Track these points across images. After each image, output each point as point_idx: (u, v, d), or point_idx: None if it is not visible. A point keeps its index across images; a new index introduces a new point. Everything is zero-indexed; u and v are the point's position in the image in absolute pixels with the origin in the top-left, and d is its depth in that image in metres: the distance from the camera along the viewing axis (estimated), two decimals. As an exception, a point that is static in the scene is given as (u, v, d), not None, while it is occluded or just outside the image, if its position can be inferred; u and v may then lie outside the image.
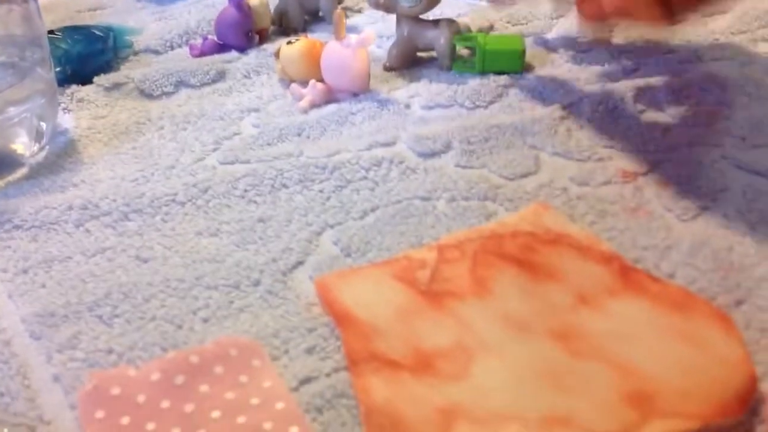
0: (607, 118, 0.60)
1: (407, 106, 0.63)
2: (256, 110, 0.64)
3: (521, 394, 0.38)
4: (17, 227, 0.51)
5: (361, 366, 0.40)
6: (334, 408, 0.38)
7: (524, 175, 0.54)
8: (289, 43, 0.67)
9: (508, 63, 0.67)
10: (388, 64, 0.69)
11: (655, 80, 0.64)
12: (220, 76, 0.69)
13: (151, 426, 0.37)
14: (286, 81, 0.68)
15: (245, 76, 0.69)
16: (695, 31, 0.72)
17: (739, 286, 0.44)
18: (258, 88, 0.67)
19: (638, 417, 0.36)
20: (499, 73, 0.67)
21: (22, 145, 0.58)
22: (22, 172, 0.58)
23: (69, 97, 0.66)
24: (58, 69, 0.62)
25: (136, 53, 0.75)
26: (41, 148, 0.59)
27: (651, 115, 0.60)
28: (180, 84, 0.68)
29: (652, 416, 0.36)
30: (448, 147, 0.57)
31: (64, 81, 0.67)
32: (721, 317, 0.41)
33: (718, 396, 0.37)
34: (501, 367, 0.40)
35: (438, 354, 0.40)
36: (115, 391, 0.39)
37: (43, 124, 0.59)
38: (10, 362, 0.42)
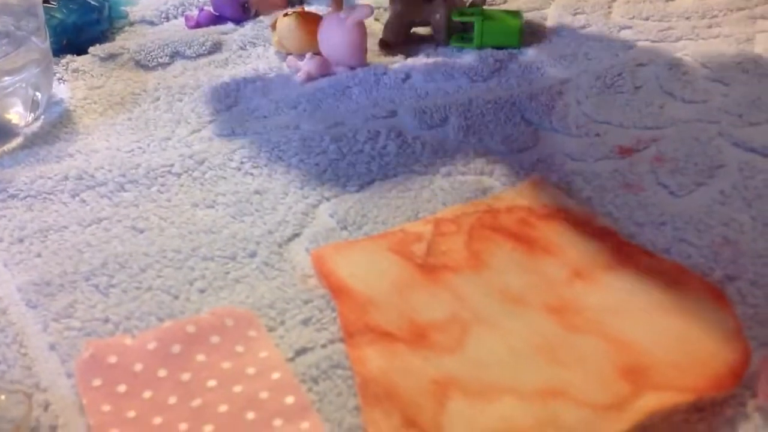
0: (605, 93, 0.59)
1: (404, 80, 0.63)
2: (253, 82, 0.63)
3: (516, 366, 0.38)
4: (13, 197, 0.51)
5: (357, 337, 0.40)
6: (330, 378, 0.38)
7: (521, 150, 0.54)
8: (285, 15, 0.67)
9: (506, 38, 0.67)
10: (383, 40, 0.69)
11: (653, 56, 0.63)
12: (216, 47, 0.69)
13: (147, 394, 0.37)
14: (283, 53, 0.67)
15: (241, 48, 0.69)
16: (693, 7, 0.72)
17: (733, 261, 0.44)
18: (254, 60, 0.67)
19: (632, 390, 0.36)
20: (497, 47, 0.66)
21: (17, 114, 0.58)
22: (17, 141, 0.57)
23: (64, 67, 0.66)
24: (53, 39, 0.62)
25: (131, 24, 0.74)
26: (36, 118, 0.59)
27: (648, 92, 0.60)
28: (176, 55, 0.68)
29: (646, 389, 0.36)
30: (445, 121, 0.57)
31: (59, 51, 0.67)
32: (715, 292, 0.41)
33: (711, 369, 0.37)
34: (496, 339, 0.40)
35: (433, 326, 0.41)
36: (112, 359, 0.39)
37: (39, 94, 0.59)
38: (6, 330, 0.42)
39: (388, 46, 0.68)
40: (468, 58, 0.65)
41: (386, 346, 0.39)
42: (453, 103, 0.59)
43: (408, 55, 0.67)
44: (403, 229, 0.47)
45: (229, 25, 0.73)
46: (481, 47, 0.66)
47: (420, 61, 0.66)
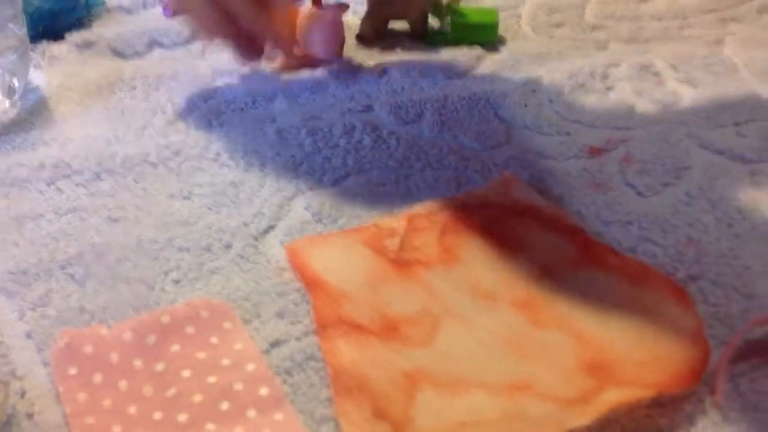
0: (576, 93, 0.61)
1: (381, 75, 0.64)
2: (230, 73, 0.64)
3: (484, 360, 0.39)
4: (-12, 184, 0.51)
5: (330, 330, 0.41)
6: (303, 370, 0.39)
7: (494, 147, 0.55)
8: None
9: (482, 35, 0.68)
10: (360, 35, 0.69)
11: (624, 56, 0.65)
12: (194, 37, 0.69)
13: (123, 384, 0.38)
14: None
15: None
16: (665, 8, 0.73)
17: (696, 261, 0.45)
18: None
19: (596, 384, 0.38)
20: (473, 44, 0.67)
21: (-9, 100, 0.58)
22: (-9, 128, 0.57)
23: (40, 54, 0.66)
24: (29, 25, 0.61)
25: (108, 11, 0.74)
26: (13, 105, 0.59)
27: (619, 92, 0.61)
28: (152, 44, 0.68)
29: (609, 384, 0.37)
30: (420, 117, 0.58)
31: (36, 38, 0.66)
32: (678, 291, 0.42)
33: (672, 367, 0.38)
34: (466, 334, 0.41)
35: (405, 320, 0.42)
36: (88, 349, 0.39)
37: (15, 81, 0.58)
38: (-19, 318, 0.42)
39: (365, 40, 0.69)
40: (444, 54, 0.66)
41: (358, 339, 0.40)
42: (429, 99, 0.60)
43: (385, 50, 0.68)
44: (377, 223, 0.48)
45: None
46: (457, 43, 0.67)
47: (397, 56, 0.66)
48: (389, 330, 0.41)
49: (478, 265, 0.45)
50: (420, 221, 0.48)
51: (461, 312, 0.42)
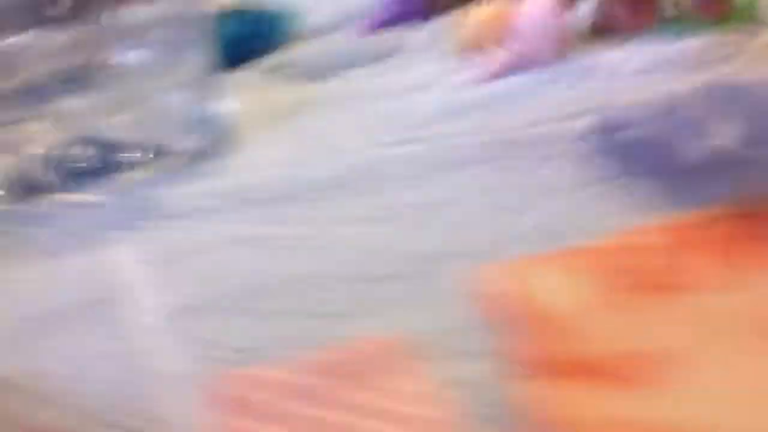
0: None
1: (612, 73, 0.55)
2: (430, 86, 0.58)
3: (731, 411, 0.31)
4: (168, 216, 0.49)
5: (536, 372, 0.34)
6: (495, 419, 0.32)
7: (758, 146, 0.45)
8: (472, 9, 0.61)
9: (734, 17, 0.56)
10: (591, 26, 0.60)
11: None
12: (386, 54, 0.64)
13: (281, 429, 0.34)
14: (467, 52, 0.61)
15: (417, 51, 0.64)
16: None
17: None
18: (429, 64, 0.61)
19: None
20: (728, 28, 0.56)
21: (177, 130, 0.56)
22: (176, 158, 0.55)
23: (228, 81, 0.63)
24: (218, 51, 0.59)
25: (299, 34, 0.70)
26: (197, 134, 0.56)
27: None
28: (344, 64, 0.64)
29: None
30: (663, 116, 0.50)
31: (223, 64, 0.64)
32: None
33: None
34: (703, 378, 0.32)
35: (634, 360, 0.34)
36: (251, 392, 0.36)
37: (200, 109, 0.57)
38: (140, 356, 0.39)
39: (596, 32, 0.60)
40: (688, 41, 0.55)
41: (573, 384, 0.33)
42: (674, 95, 0.51)
43: (611, 43, 0.58)
44: (606, 242, 0.40)
45: (406, 28, 0.67)
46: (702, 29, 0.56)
47: (631, 49, 0.56)
48: (607, 371, 0.33)
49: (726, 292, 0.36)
50: (659, 237, 0.39)
51: (700, 351, 0.33)
